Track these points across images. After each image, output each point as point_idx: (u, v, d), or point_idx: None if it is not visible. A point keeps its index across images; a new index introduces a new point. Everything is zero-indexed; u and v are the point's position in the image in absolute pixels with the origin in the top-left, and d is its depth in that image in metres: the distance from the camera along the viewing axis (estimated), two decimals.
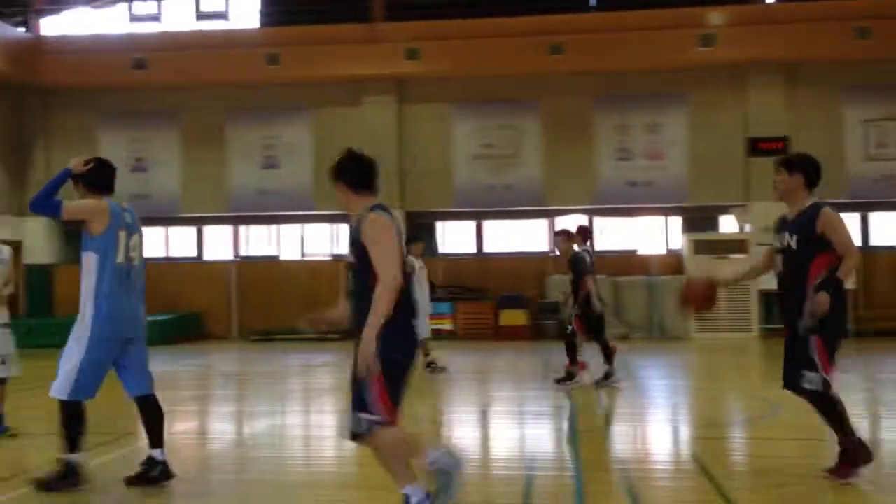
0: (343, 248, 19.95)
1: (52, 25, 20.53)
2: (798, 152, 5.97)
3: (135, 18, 20.66)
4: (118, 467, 6.35)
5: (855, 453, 5.43)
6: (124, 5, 20.58)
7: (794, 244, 5.50)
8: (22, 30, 19.54)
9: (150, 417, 5.84)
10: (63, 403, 5.57)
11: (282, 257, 20.13)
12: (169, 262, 20.09)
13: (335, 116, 19.42)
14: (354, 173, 4.68)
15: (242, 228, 20.47)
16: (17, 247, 19.30)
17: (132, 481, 5.71)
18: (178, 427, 8.61)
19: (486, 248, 19.79)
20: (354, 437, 4.58)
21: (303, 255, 20.11)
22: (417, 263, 11.93)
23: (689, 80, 18.53)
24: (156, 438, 5.78)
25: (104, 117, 19.67)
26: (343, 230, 20.04)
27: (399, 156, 19.08)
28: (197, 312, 19.27)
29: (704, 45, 17.94)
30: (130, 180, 19.12)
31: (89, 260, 5.61)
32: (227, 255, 20.10)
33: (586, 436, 7.69)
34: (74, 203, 5.69)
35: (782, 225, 5.67)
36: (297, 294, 18.80)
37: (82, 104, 19.61)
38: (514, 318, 17.95)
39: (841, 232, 5.41)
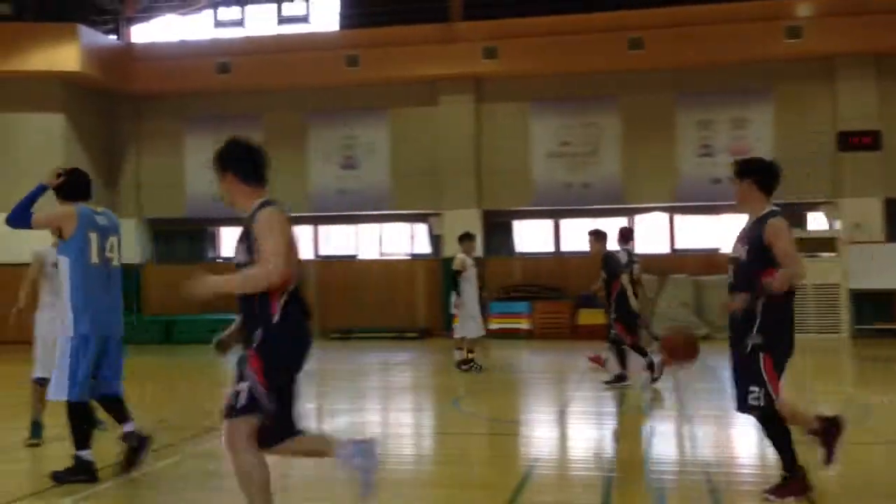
0: (422, 246, 20.10)
1: (141, 33, 21.25)
2: (751, 157, 5.70)
3: (219, 24, 21.21)
4: (203, 462, 6.52)
5: (793, 484, 5.16)
6: (209, 11, 21.15)
7: (744, 255, 5.26)
8: (113, 38, 20.27)
9: (117, 404, 6.06)
10: (69, 403, 5.80)
11: (360, 256, 20.37)
12: None
13: (413, 116, 19.55)
14: (247, 164, 4.33)
15: (322, 228, 20.79)
16: None
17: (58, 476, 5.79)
18: None
19: (564, 247, 19.60)
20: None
21: (381, 254, 20.30)
22: (468, 262, 11.91)
23: (775, 74, 17.97)
24: (84, 440, 5.86)
25: (190, 121, 20.24)
26: (420, 229, 20.18)
27: (476, 155, 19.09)
28: None
29: (791, 38, 17.38)
30: (212, 181, 19.55)
31: (64, 263, 5.89)
32: (308, 254, 20.42)
33: (665, 438, 7.54)
34: (42, 213, 5.98)
35: (739, 234, 5.45)
36: (375, 293, 19.01)
37: (170, 109, 20.22)
38: (592, 317, 17.67)
39: (784, 240, 5.14)
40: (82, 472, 5.78)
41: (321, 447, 4.45)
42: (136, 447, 5.93)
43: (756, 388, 5.10)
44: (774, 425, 5.19)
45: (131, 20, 21.04)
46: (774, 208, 5.32)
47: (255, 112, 19.98)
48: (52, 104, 18.31)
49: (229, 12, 21.14)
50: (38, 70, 17.79)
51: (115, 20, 20.80)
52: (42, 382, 6.81)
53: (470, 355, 11.99)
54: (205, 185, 19.97)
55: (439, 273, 18.98)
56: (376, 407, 10.03)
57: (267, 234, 4.06)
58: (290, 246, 4.15)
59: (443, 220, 19.34)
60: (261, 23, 21.00)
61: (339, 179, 19.81)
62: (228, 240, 21.10)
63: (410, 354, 14.37)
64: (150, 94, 20.00)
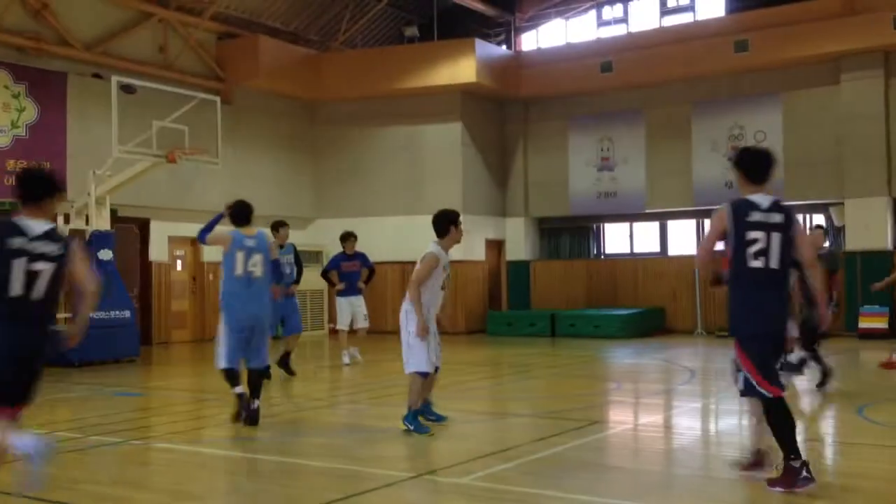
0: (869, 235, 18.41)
1: (530, 40, 22.34)
2: (743, 147, 5.76)
3: (602, 23, 21.49)
4: (583, 452, 6.59)
5: (788, 475, 5.18)
6: (593, 12, 21.54)
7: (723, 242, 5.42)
8: (504, 48, 21.57)
9: (256, 378, 7.92)
10: (223, 370, 7.88)
11: None
12: (633, 258, 20.52)
13: (809, 99, 18.02)
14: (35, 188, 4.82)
15: (706, 222, 20.04)
16: (499, 245, 21.40)
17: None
18: (644, 419, 8.67)
19: None
20: None
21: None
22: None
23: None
24: (254, 392, 7.84)
25: (574, 121, 20.78)
26: (819, 220, 18.53)
27: (888, 135, 17.01)
28: (660, 307, 19.37)
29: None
30: (598, 179, 20.08)
31: (222, 271, 8.03)
32: (691, 249, 19.82)
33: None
34: (210, 234, 8.28)
35: None
36: None
37: (555, 110, 20.95)
38: None
39: (709, 228, 5.43)
40: (242, 409, 7.86)
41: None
42: (243, 410, 7.77)
43: (738, 373, 5.35)
44: (770, 414, 5.24)
45: (520, 29, 22.23)
46: (741, 198, 5.35)
47: (636, 108, 19.91)
48: (452, 114, 19.98)
49: (613, 11, 21.33)
50: (441, 84, 19.53)
51: (507, 31, 22.12)
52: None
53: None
54: (588, 183, 20.38)
55: (841, 268, 17.31)
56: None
57: (80, 260, 5.02)
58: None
59: (843, 210, 17.58)
60: (644, 17, 20.88)
61: (728, 171, 18.90)
62: (611, 236, 21.30)
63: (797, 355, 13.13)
64: (536, 97, 20.91)
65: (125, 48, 16.83)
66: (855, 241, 17.56)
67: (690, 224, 20.09)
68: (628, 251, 20.87)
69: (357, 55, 20.53)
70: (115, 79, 13.44)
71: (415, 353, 7.28)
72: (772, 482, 5.30)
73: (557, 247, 21.58)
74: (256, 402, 7.78)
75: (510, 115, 21.37)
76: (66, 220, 14.49)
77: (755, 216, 5.21)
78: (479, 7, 20.79)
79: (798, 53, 17.68)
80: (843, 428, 8.11)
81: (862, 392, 10.10)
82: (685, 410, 9.14)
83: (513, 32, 22.06)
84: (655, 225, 20.70)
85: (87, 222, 13.88)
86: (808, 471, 5.17)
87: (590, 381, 11.53)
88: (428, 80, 19.52)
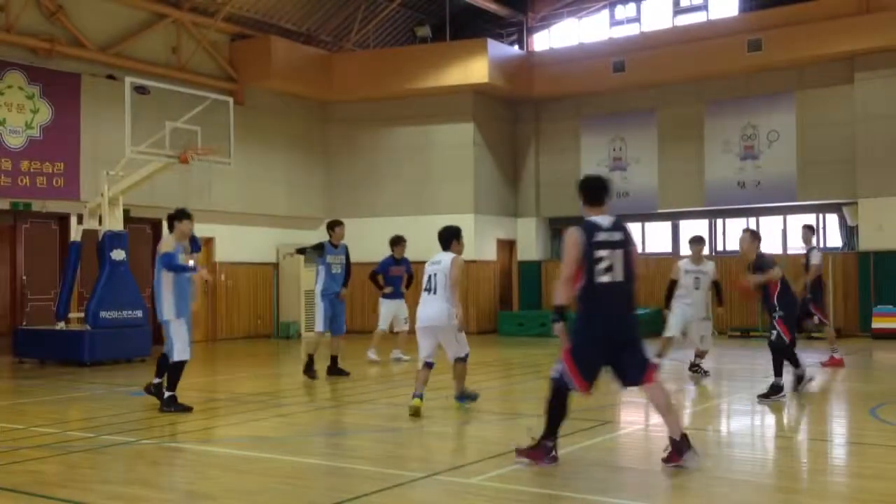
0: (833, 239, 18.34)
1: (542, 40, 22.31)
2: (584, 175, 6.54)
3: (615, 23, 21.44)
4: (595, 453, 6.57)
5: (539, 451, 5.92)
6: (606, 12, 21.48)
7: None
8: (516, 48, 21.54)
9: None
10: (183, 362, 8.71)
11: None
12: (645, 258, 20.43)
13: (822, 98, 17.96)
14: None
15: (718, 222, 19.98)
16: (510, 245, 21.38)
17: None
18: (656, 420, 8.63)
19: None
20: None
21: (784, 249, 18.86)
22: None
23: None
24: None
25: (586, 120, 20.74)
26: (832, 220, 18.48)
27: None
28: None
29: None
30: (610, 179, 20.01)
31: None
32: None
33: None
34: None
35: None
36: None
37: (567, 110, 20.92)
38: None
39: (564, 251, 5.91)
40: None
41: None
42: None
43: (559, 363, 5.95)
44: (555, 398, 5.96)
45: (532, 29, 22.20)
46: (587, 219, 5.90)
47: (649, 107, 19.86)
48: (464, 114, 19.98)
49: (625, 10, 21.27)
50: (453, 84, 19.52)
51: (519, 31, 22.10)
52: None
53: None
54: None
55: (854, 267, 17.22)
56: (783, 413, 9.28)
57: None
58: None
59: (857, 210, 17.50)
60: (656, 17, 20.82)
61: (738, 171, 18.86)
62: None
63: (821, 355, 13.08)
64: (548, 97, 20.88)
65: (138, 49, 16.92)
66: (868, 241, 17.45)
67: (703, 224, 20.01)
68: (640, 251, 20.79)
69: (369, 56, 20.56)
70: (128, 80, 13.51)
71: (462, 343, 8.48)
72: (520, 452, 5.98)
73: None
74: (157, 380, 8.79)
75: (522, 115, 21.34)
76: (80, 220, 14.59)
77: (601, 236, 5.79)
78: (492, 7, 20.78)
79: (812, 52, 17.62)
80: (856, 428, 8.05)
81: (875, 392, 10.04)
82: (697, 411, 9.10)
83: (525, 32, 22.03)
84: (667, 225, 20.64)
85: (100, 222, 13.96)
86: (556, 452, 5.93)
87: (601, 381, 11.48)
88: (440, 81, 19.52)
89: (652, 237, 20.88)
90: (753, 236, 9.59)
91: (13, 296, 15.40)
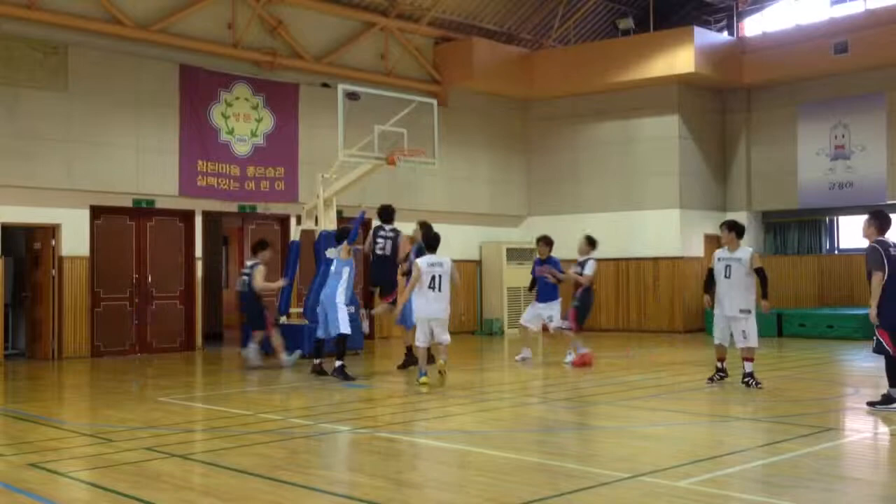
0: None
1: (753, 25, 21.14)
2: None
3: (836, 1, 19.91)
4: (816, 461, 6.16)
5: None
6: None
7: None
8: (724, 34, 20.55)
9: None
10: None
11: None
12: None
13: None
14: None
15: None
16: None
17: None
18: (885, 428, 7.96)
19: None
20: None
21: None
22: None
23: None
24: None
25: (803, 107, 19.42)
26: None
27: None
28: None
29: None
30: (830, 169, 18.70)
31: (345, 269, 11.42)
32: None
33: None
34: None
35: None
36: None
37: (781, 97, 19.70)
38: None
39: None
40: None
41: None
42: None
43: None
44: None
45: (743, 14, 21.10)
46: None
47: (876, 90, 18.30)
48: (668, 106, 19.33)
49: None
50: (657, 76, 18.93)
51: (728, 17, 21.08)
52: None
53: None
54: (819, 173, 19.01)
55: None
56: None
57: None
58: None
59: None
60: None
61: None
62: (846, 231, 19.72)
63: None
64: (761, 85, 19.77)
65: (349, 57, 17.83)
66: None
67: None
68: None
69: (570, 51, 20.41)
70: (341, 87, 14.22)
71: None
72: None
73: (784, 241, 20.30)
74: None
75: (731, 105, 20.36)
76: (298, 220, 15.58)
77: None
78: None
79: None
80: None
81: None
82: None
83: (735, 17, 20.97)
84: None
85: (315, 223, 14.83)
86: None
87: (822, 384, 10.75)
88: (643, 73, 19.01)
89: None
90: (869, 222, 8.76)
91: None
